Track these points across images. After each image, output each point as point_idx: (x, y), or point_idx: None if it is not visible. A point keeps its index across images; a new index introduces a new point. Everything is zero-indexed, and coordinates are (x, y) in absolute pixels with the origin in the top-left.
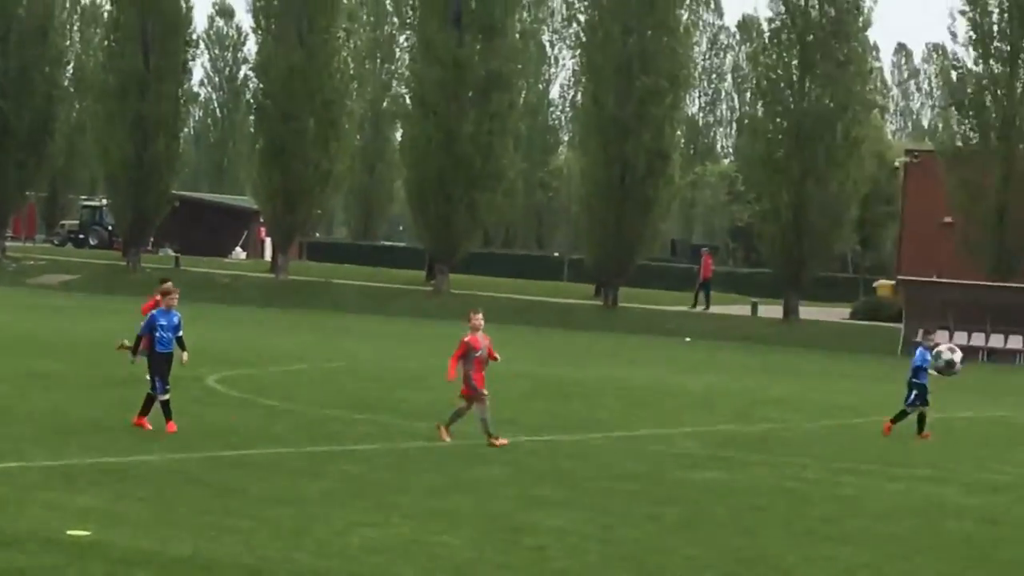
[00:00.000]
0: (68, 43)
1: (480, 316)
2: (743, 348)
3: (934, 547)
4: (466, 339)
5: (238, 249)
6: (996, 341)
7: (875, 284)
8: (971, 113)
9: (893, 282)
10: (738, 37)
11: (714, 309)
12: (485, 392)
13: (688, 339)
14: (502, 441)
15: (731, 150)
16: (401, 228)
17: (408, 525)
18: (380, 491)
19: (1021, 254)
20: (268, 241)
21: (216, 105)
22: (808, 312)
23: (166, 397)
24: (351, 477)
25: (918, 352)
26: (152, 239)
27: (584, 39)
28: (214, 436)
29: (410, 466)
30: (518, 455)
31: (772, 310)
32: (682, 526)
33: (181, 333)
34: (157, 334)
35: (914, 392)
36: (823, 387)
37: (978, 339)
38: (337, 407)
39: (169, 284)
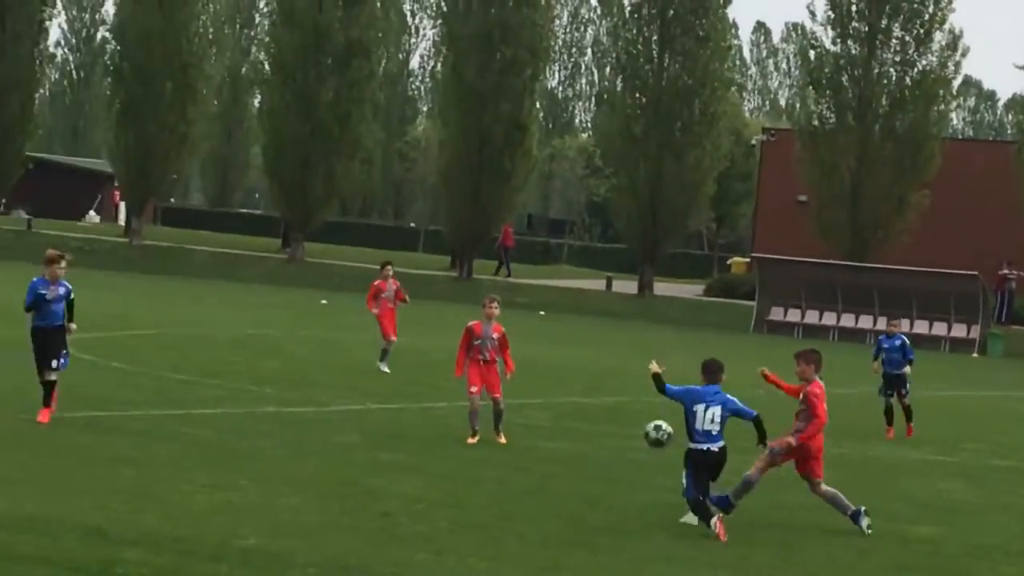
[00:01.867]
0: None
1: (495, 305)
2: (597, 322)
3: (776, 519)
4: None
5: (92, 212)
6: (847, 321)
7: (729, 261)
8: (828, 92)
9: (747, 259)
10: (599, 11)
11: (569, 283)
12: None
13: (543, 312)
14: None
15: (589, 124)
16: (257, 195)
17: (255, 488)
18: (228, 455)
19: (874, 234)
20: (122, 205)
21: (73, 67)
22: (663, 288)
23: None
24: (200, 441)
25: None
26: (4, 201)
27: (445, 9)
28: (62, 398)
29: (259, 431)
30: (367, 422)
31: (627, 285)
32: (529, 494)
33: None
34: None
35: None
36: (676, 361)
37: (830, 318)
38: (188, 372)
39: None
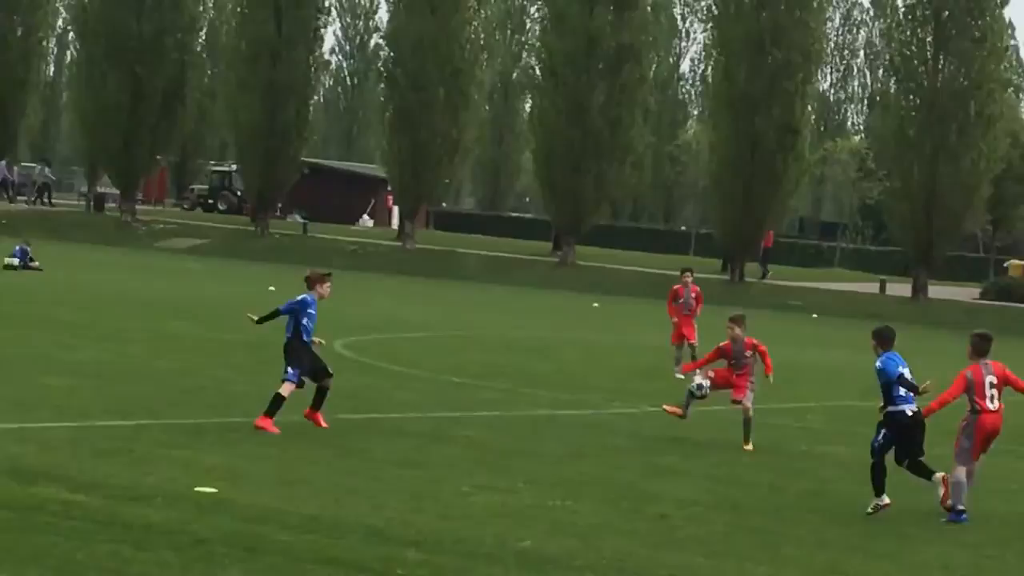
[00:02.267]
0: (201, 9)
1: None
2: (871, 325)
3: None
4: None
5: (365, 217)
6: None
7: (1007, 264)
8: None
9: None
10: (872, 13)
11: (842, 286)
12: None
13: (815, 315)
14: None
15: (862, 127)
16: (528, 199)
17: (531, 491)
18: (504, 457)
19: None
20: (395, 209)
21: (346, 73)
22: (937, 291)
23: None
24: (475, 443)
25: None
26: (281, 205)
27: (716, 12)
28: (341, 400)
29: (534, 433)
30: (643, 425)
31: (901, 288)
32: (806, 498)
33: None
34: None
35: None
36: (953, 366)
37: None
38: (462, 374)
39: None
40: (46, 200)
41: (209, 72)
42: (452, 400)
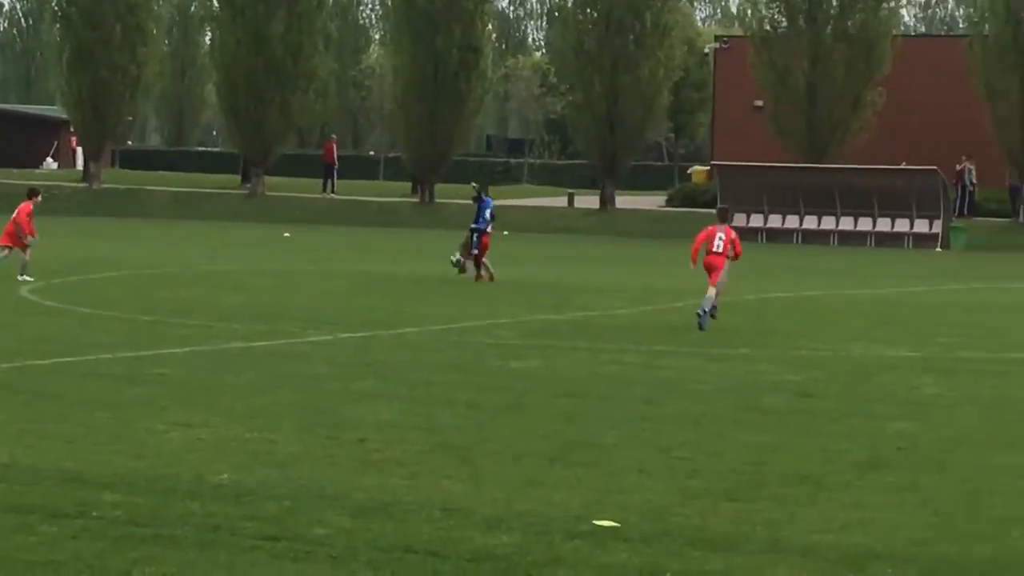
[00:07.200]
0: None
1: None
2: (560, 239)
3: (751, 422)
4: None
5: (49, 159)
6: (810, 223)
7: (689, 171)
8: None
9: (707, 168)
10: None
11: (531, 202)
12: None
13: (505, 232)
14: None
15: (542, 43)
16: (215, 133)
17: (228, 424)
18: (199, 392)
19: (832, 135)
20: (79, 150)
21: (20, 15)
22: (625, 201)
23: None
24: (169, 380)
25: None
26: None
27: None
28: (28, 345)
29: (229, 366)
30: (338, 351)
31: (590, 201)
32: (503, 413)
33: None
34: None
35: None
36: (641, 274)
37: (792, 221)
38: (155, 312)
39: None
40: None
41: None
42: (145, 339)
